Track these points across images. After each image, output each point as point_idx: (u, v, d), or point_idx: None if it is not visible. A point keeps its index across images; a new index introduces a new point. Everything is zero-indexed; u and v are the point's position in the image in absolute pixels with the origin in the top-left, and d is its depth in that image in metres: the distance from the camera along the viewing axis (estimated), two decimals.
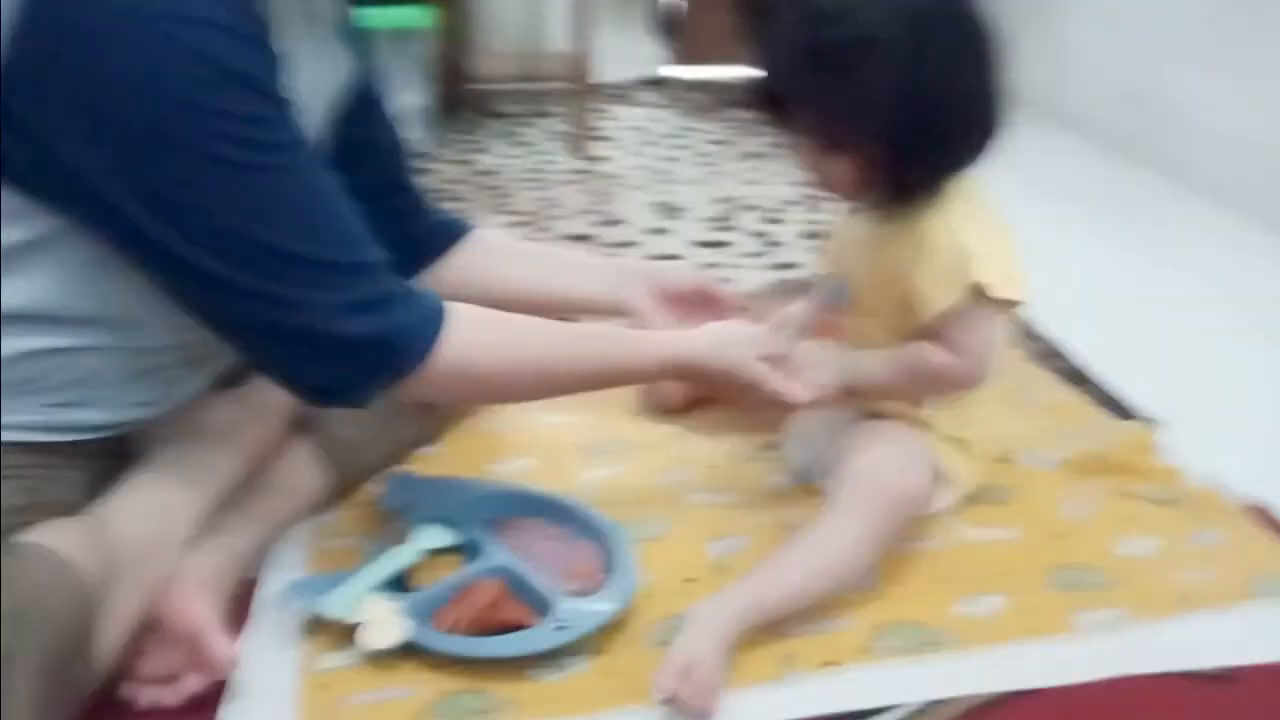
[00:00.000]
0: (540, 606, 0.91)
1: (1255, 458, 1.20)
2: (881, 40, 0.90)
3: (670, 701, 0.82)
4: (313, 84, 0.96)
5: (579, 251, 1.83)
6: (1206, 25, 2.25)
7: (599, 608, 0.91)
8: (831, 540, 0.94)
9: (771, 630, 0.91)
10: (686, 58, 3.63)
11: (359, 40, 1.06)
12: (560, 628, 0.88)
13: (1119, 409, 1.33)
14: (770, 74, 0.97)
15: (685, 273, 1.24)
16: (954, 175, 0.98)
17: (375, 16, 1.95)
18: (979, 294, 0.96)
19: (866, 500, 0.96)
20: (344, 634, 0.89)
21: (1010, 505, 1.11)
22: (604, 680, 0.87)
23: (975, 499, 1.11)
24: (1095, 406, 1.34)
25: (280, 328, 0.82)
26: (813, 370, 1.00)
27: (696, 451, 1.22)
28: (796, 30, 0.93)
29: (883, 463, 0.99)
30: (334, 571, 0.94)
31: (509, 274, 1.18)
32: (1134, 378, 1.40)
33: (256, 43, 0.80)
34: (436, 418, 1.22)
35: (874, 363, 1.03)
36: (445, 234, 1.17)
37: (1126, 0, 2.49)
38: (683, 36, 3.62)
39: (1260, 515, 1.09)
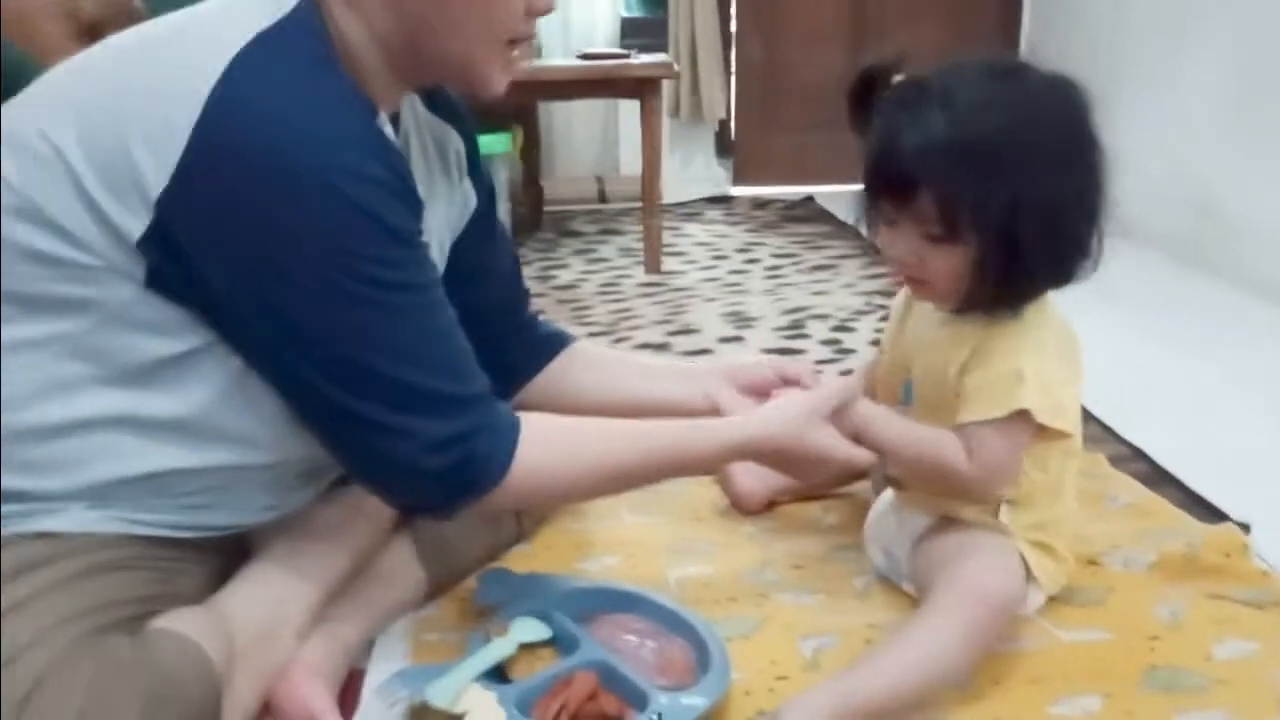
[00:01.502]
0: (636, 700, 0.93)
1: None
2: (1032, 143, 0.94)
3: None
4: (444, 218, 1.06)
5: (663, 357, 1.89)
6: (1259, 127, 2.28)
7: (694, 702, 0.92)
8: (929, 641, 0.94)
9: None
10: (746, 179, 3.76)
11: (481, 172, 1.16)
12: None
13: (1203, 511, 1.32)
14: (904, 156, 0.96)
15: (762, 361, 1.28)
16: (1051, 288, 1.01)
17: None
18: (1022, 417, 0.98)
19: (966, 603, 0.97)
20: None
21: (1101, 607, 1.11)
22: None
23: (1064, 601, 1.11)
24: (1179, 509, 1.33)
25: (380, 452, 0.89)
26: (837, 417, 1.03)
27: (779, 551, 1.24)
28: (945, 116, 0.94)
29: (980, 567, 1.00)
30: (437, 663, 0.97)
31: (600, 381, 1.24)
32: (1214, 481, 1.39)
33: (404, 194, 0.88)
34: (530, 517, 1.26)
35: (899, 429, 1.05)
36: (548, 346, 1.25)
37: (1180, 104, 2.55)
38: (739, 159, 3.76)
39: None
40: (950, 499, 1.07)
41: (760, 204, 3.55)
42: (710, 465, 1.13)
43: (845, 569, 1.20)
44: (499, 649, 0.99)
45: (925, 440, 1.03)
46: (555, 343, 1.25)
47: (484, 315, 1.18)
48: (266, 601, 0.94)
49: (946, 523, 1.08)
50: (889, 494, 1.18)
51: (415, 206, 0.90)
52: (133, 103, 0.82)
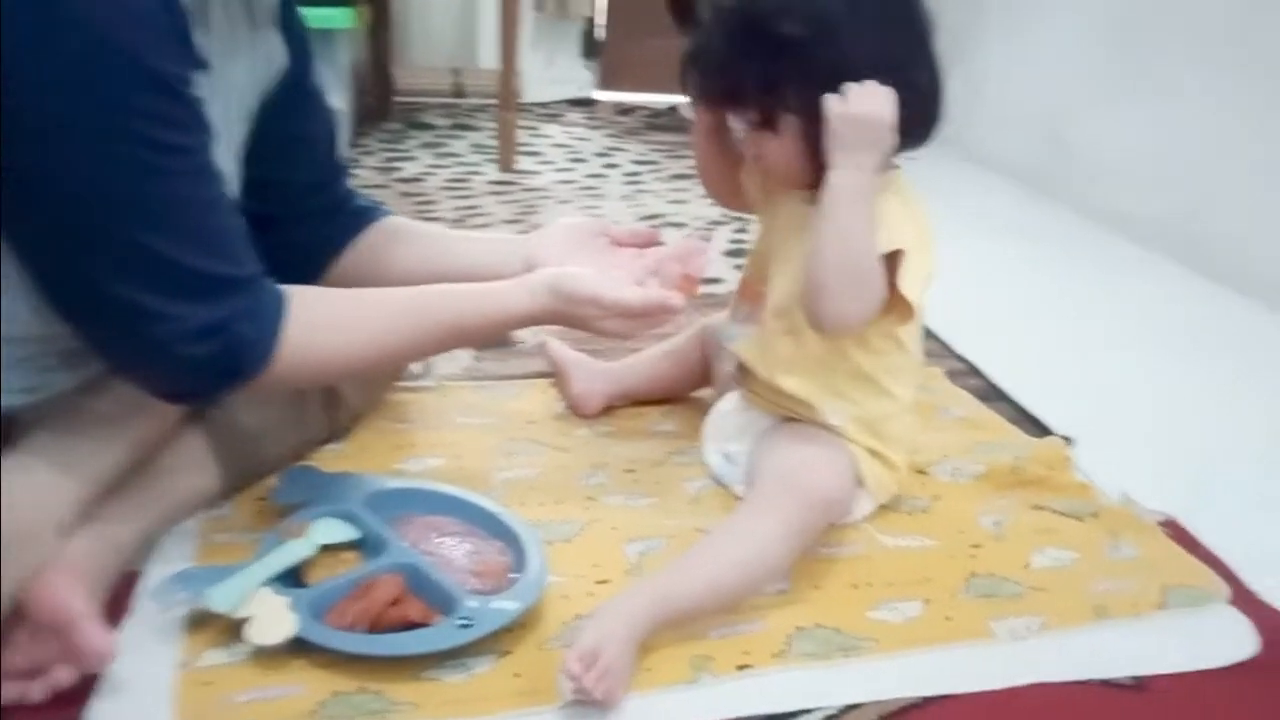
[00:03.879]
0: (443, 604, 0.86)
1: (1163, 473, 1.22)
2: (822, 16, 0.91)
3: (575, 689, 0.78)
4: (246, 75, 0.94)
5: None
6: (1110, 62, 2.33)
7: (506, 605, 0.87)
8: (748, 537, 0.92)
9: (685, 632, 0.88)
10: (611, 83, 3.64)
11: (295, 32, 1.04)
12: (464, 626, 0.84)
13: (1032, 426, 1.34)
14: (713, 53, 0.97)
15: (590, 221, 1.19)
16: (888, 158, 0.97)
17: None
18: (887, 264, 0.93)
19: (786, 499, 0.94)
20: (230, 629, 0.84)
21: (926, 515, 1.11)
22: (508, 681, 0.83)
23: (892, 508, 1.10)
24: (1009, 423, 1.34)
25: (134, 336, 0.81)
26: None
27: (613, 455, 1.19)
28: (741, 7, 0.94)
29: (804, 463, 0.98)
30: (224, 565, 0.88)
31: (411, 254, 1.15)
32: (1046, 397, 1.41)
33: (177, 36, 0.78)
34: (344, 412, 1.17)
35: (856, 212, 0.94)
36: (358, 221, 1.15)
37: (1036, 37, 2.58)
38: (606, 62, 3.64)
39: (1173, 529, 1.10)
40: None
41: (624, 110, 3.44)
42: (498, 329, 1.02)
43: (679, 473, 1.16)
44: (295, 550, 0.91)
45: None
46: (366, 217, 1.16)
47: (293, 189, 1.08)
48: (25, 496, 0.83)
49: (789, 423, 1.05)
50: (734, 395, 1.14)
51: (194, 54, 0.79)
52: None
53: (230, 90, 0.93)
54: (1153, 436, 1.34)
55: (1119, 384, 1.51)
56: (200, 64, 0.82)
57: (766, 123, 0.96)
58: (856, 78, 0.91)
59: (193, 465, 0.99)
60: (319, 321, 0.90)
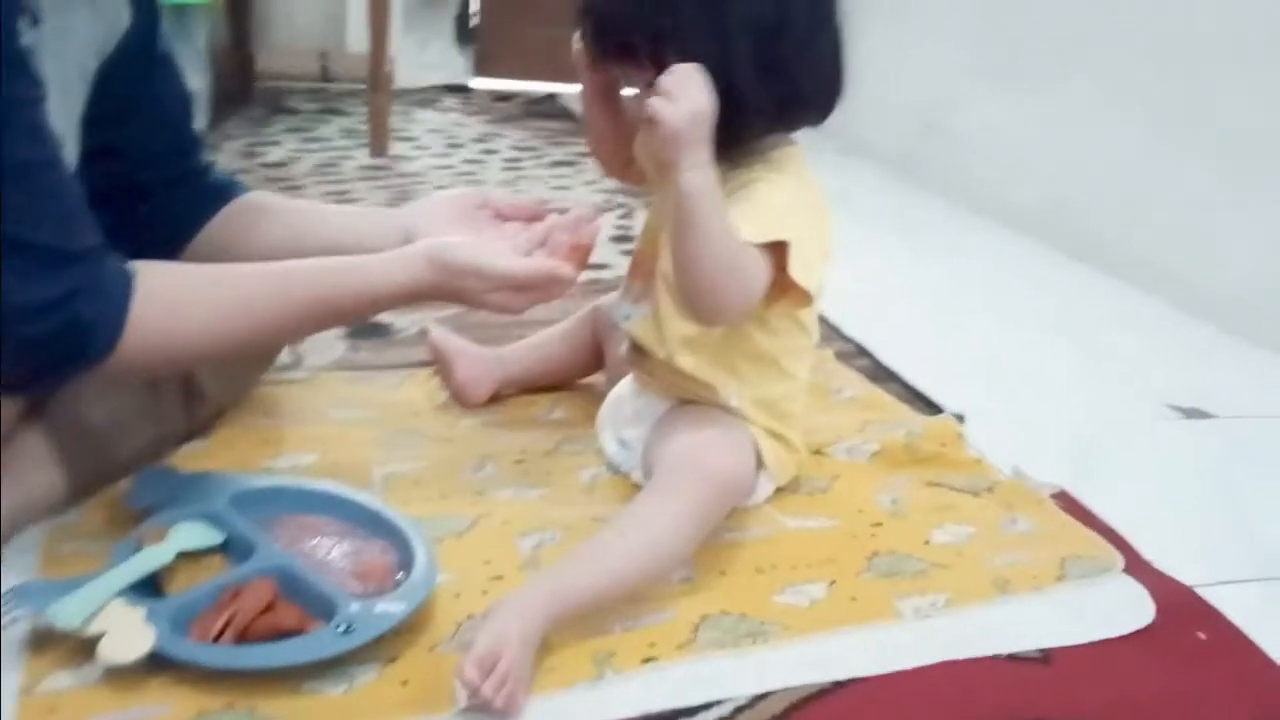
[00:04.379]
0: (322, 610, 0.79)
1: (1048, 448, 1.23)
2: None
3: (473, 699, 0.72)
4: (84, 34, 0.85)
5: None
6: (984, 52, 2.38)
7: (390, 609, 0.80)
8: (649, 523, 0.87)
9: (588, 627, 0.83)
10: (487, 70, 3.56)
11: None
12: (345, 632, 0.77)
13: (923, 404, 1.34)
14: (607, 2, 0.92)
15: (473, 191, 1.10)
16: (785, 128, 0.94)
17: None
18: (774, 253, 0.89)
19: (687, 482, 0.90)
20: (80, 648, 0.75)
21: (826, 495, 1.08)
22: (396, 689, 0.76)
23: (791, 490, 1.08)
24: (900, 402, 1.34)
25: None
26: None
27: (501, 445, 1.13)
28: None
29: (704, 445, 0.94)
30: (69, 577, 0.79)
31: (274, 230, 1.06)
32: (933, 376, 1.42)
33: None
34: (205, 406, 1.07)
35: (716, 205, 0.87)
36: (216, 196, 1.06)
37: (915, 27, 2.62)
38: (482, 49, 3.55)
39: (1065, 501, 1.10)
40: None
41: (502, 97, 3.36)
42: (371, 305, 0.93)
43: (572, 462, 1.11)
44: (152, 558, 0.82)
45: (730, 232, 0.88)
46: (225, 192, 1.07)
47: (140, 159, 0.99)
48: None
49: (687, 405, 1.01)
50: (629, 380, 1.10)
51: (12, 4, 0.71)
52: None
53: (65, 47, 0.83)
54: (1035, 412, 1.36)
55: (1001, 363, 1.53)
56: (25, 10, 0.73)
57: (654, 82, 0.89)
58: (757, 38, 0.87)
59: (33, 467, 0.89)
60: (170, 299, 0.81)
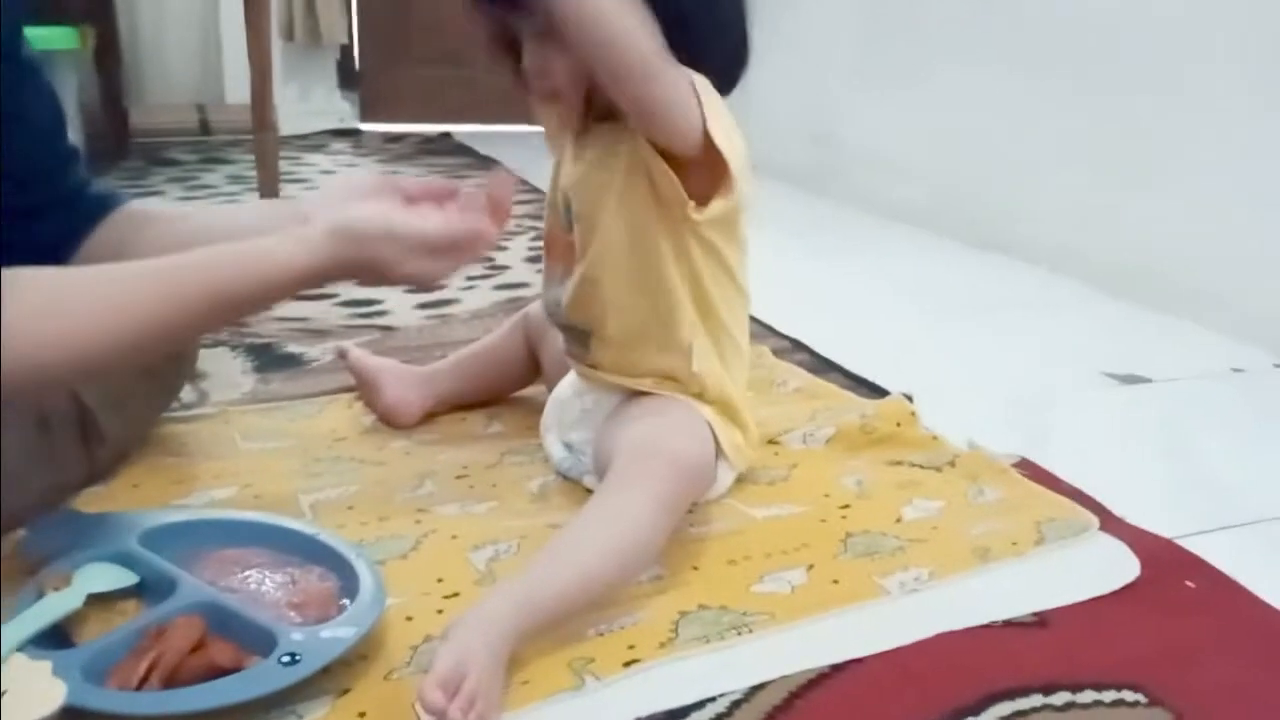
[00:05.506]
0: (260, 644, 0.70)
1: (996, 421, 1.21)
2: None
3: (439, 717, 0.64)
4: None
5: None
6: (871, 63, 2.43)
7: (338, 634, 0.71)
8: (615, 516, 0.80)
9: (558, 635, 0.75)
10: (373, 114, 3.48)
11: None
12: (291, 662, 0.68)
13: (868, 390, 1.31)
14: None
15: (376, 178, 0.97)
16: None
17: None
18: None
19: (650, 471, 0.84)
20: None
21: (788, 483, 1.03)
22: None
23: (751, 481, 1.03)
24: (844, 390, 1.30)
25: None
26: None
27: (439, 463, 1.05)
28: None
29: (662, 431, 0.88)
30: None
31: (159, 236, 0.94)
32: (872, 363, 1.39)
33: None
34: (105, 448, 0.97)
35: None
36: (94, 209, 0.96)
37: (801, 44, 2.65)
38: (366, 93, 3.47)
39: (1028, 469, 1.07)
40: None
41: (393, 139, 3.28)
42: (270, 292, 0.81)
43: (518, 472, 1.03)
44: (57, 605, 0.72)
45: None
46: (104, 204, 0.97)
47: (11, 179, 0.88)
48: None
49: (637, 397, 0.95)
50: (571, 379, 1.03)
51: None
52: None
53: None
54: (977, 390, 1.34)
55: (933, 347, 1.53)
56: None
57: (549, 29, 0.83)
58: None
59: None
60: (39, 304, 0.71)
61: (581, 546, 0.78)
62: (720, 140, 0.84)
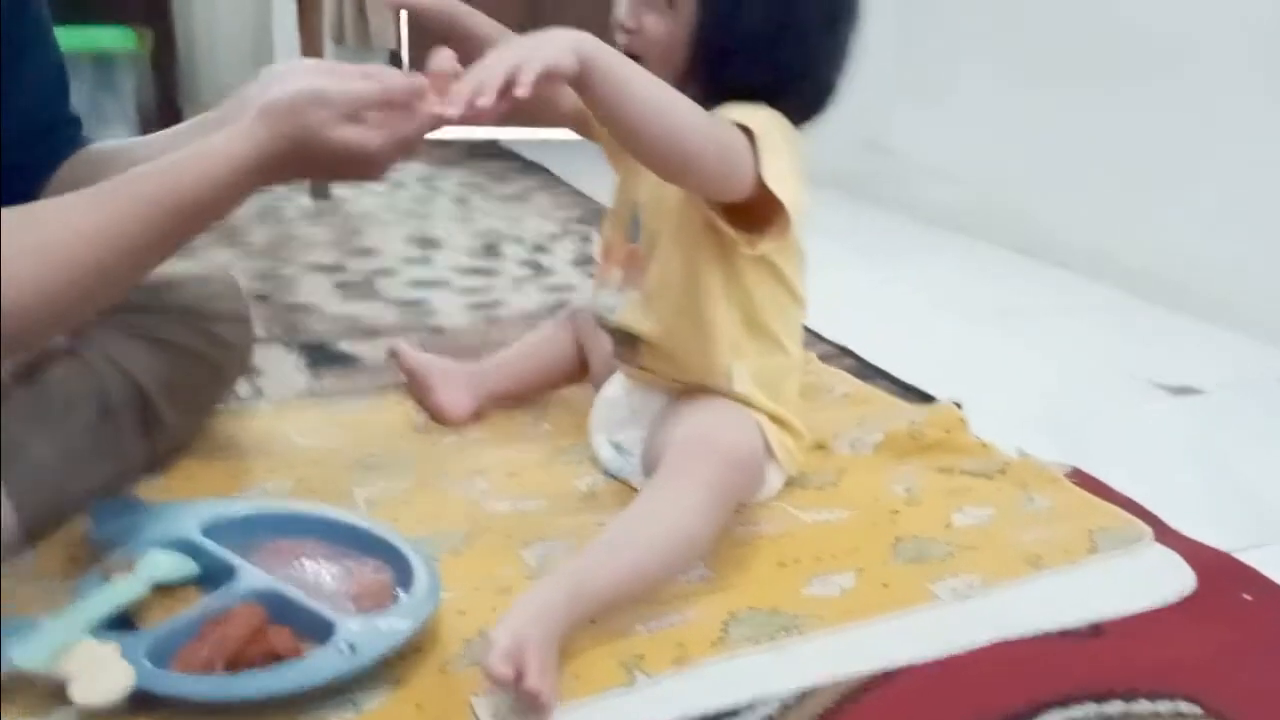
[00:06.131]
0: (318, 631, 0.71)
1: (1046, 430, 1.20)
2: None
3: (506, 691, 0.64)
4: None
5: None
6: (918, 68, 2.42)
7: (394, 625, 0.72)
8: (666, 509, 0.81)
9: (609, 630, 0.76)
10: None
11: None
12: (349, 652, 0.69)
13: (916, 396, 1.30)
14: None
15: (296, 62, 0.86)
16: (766, 96, 0.88)
17: (72, 37, 1.70)
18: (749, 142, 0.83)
19: (701, 464, 0.84)
20: (50, 694, 0.66)
21: (837, 488, 1.03)
22: (408, 714, 0.68)
23: (800, 485, 1.03)
24: (892, 396, 1.30)
25: None
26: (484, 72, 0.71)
27: (490, 460, 1.06)
28: None
29: (713, 425, 0.89)
30: (33, 616, 0.70)
31: (114, 171, 0.82)
32: (919, 370, 1.38)
33: None
34: (165, 437, 0.99)
35: (634, 69, 0.77)
36: (58, 149, 0.92)
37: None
38: None
39: (1080, 478, 1.07)
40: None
41: (440, 143, 3.31)
42: (221, 191, 0.74)
43: (568, 471, 1.04)
44: (123, 590, 0.73)
45: (666, 89, 0.79)
46: (65, 149, 0.92)
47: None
48: None
49: (685, 395, 0.95)
50: (619, 380, 1.04)
51: None
52: None
53: None
54: (1025, 399, 1.33)
55: (980, 354, 1.52)
56: None
57: None
58: None
59: None
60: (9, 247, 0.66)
61: (633, 537, 0.79)
62: (777, 188, 0.83)
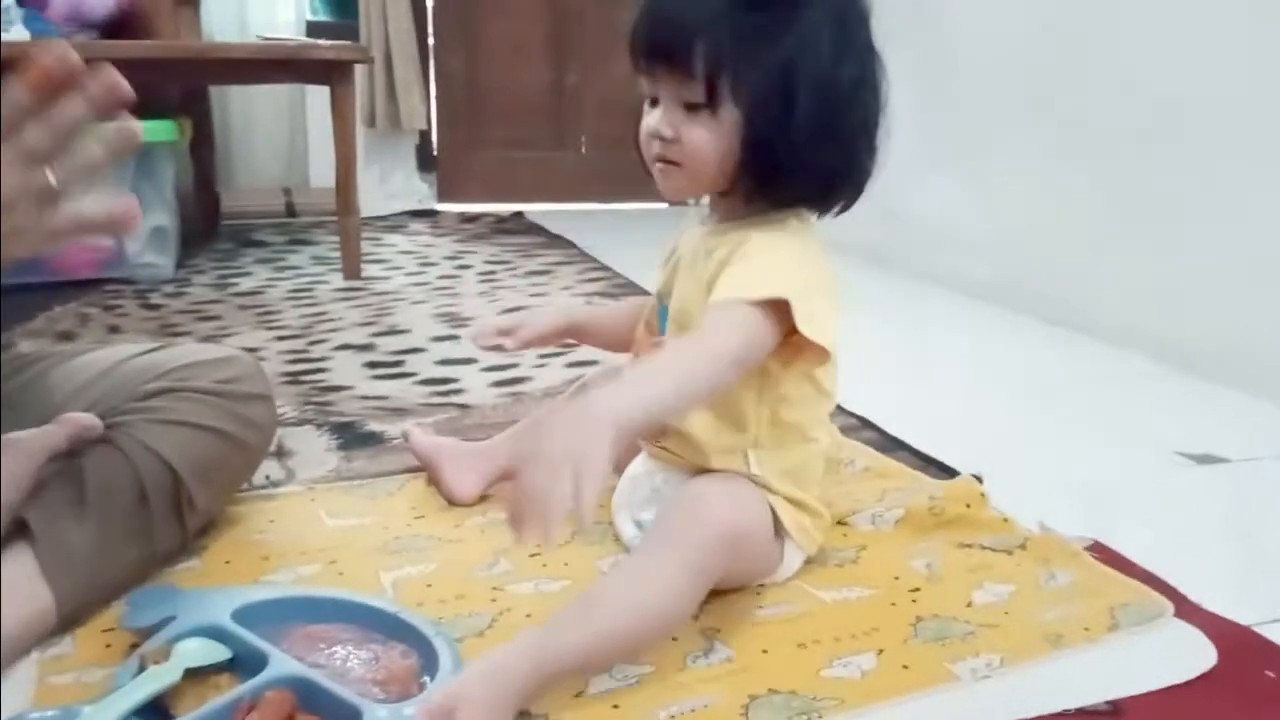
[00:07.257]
0: (346, 718, 0.73)
1: (1068, 502, 1.20)
2: (812, 13, 0.85)
3: None
4: None
5: None
6: (935, 137, 2.45)
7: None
8: (642, 577, 0.83)
9: (634, 715, 0.77)
10: (450, 195, 3.60)
11: None
12: None
13: (937, 470, 1.31)
14: (671, 8, 0.87)
15: None
16: (811, 198, 0.92)
17: None
18: (775, 309, 0.85)
19: (681, 530, 0.86)
20: None
21: (857, 565, 1.04)
22: None
23: (820, 563, 1.03)
24: (913, 469, 1.31)
25: None
26: None
27: (512, 540, 1.07)
28: None
29: (704, 494, 0.91)
30: (68, 705, 0.72)
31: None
32: (940, 442, 1.39)
33: None
34: (197, 518, 1.01)
35: (650, 390, 0.79)
36: None
37: None
38: (442, 174, 3.59)
39: (1101, 552, 1.07)
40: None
41: (469, 219, 3.39)
42: None
43: (590, 551, 1.06)
44: (158, 678, 0.76)
45: (683, 364, 0.81)
46: None
47: None
48: None
49: (705, 472, 0.97)
50: (642, 458, 1.06)
51: None
52: None
53: None
54: (1047, 469, 1.33)
55: (1001, 424, 1.52)
56: None
57: (709, 101, 0.86)
58: (829, 90, 0.86)
59: (22, 589, 0.83)
60: None
61: (603, 605, 0.81)
62: (817, 338, 0.86)
